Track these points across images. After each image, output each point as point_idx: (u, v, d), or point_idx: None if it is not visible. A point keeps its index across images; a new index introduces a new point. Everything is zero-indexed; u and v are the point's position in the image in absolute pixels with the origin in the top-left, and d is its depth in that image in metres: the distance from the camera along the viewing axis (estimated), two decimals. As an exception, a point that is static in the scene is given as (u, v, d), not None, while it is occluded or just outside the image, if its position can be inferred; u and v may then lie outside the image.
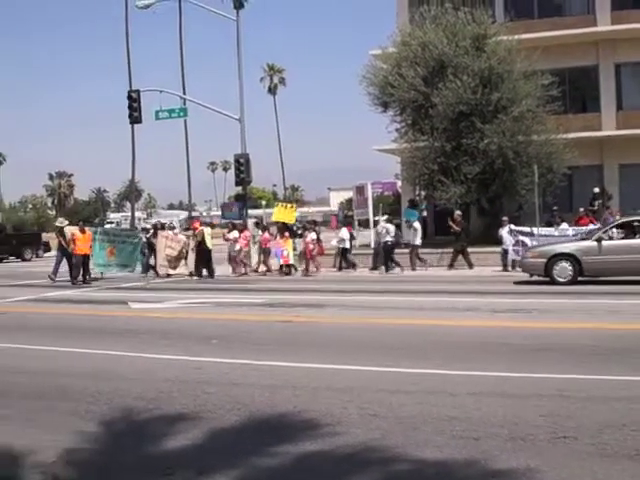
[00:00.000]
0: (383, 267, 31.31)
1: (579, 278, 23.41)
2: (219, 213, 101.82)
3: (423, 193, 42.49)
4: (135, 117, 40.19)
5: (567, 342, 12.61)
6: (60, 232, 30.88)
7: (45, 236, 65.15)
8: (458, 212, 32.56)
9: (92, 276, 30.45)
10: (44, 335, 15.33)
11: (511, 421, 7.71)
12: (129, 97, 39.86)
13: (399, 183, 55.30)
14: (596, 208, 35.44)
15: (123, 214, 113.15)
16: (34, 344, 13.87)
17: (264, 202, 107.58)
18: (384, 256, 31.50)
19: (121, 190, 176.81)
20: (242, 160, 39.28)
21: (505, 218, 30.73)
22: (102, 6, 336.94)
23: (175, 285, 27.91)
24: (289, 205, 36.00)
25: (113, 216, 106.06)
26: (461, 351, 12.02)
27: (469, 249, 31.30)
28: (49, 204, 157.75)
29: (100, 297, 23.87)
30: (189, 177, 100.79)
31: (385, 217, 33.98)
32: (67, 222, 32.78)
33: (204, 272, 31.68)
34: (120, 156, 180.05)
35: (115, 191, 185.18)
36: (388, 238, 31.18)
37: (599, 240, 23.50)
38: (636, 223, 24.55)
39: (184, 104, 43.67)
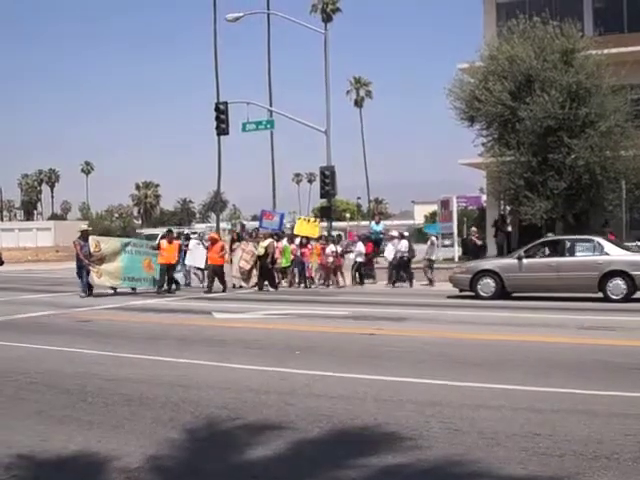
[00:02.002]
0: (405, 282, 32.15)
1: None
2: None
3: (508, 208, 42.20)
4: (222, 129, 40.68)
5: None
6: (84, 238, 27.97)
7: None
8: (474, 229, 32.71)
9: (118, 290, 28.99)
10: (129, 343, 15.58)
11: (595, 439, 7.61)
12: (217, 109, 40.41)
13: (484, 197, 54.96)
14: None
15: (208, 225, 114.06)
16: (119, 352, 14.09)
17: (348, 215, 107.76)
18: (399, 270, 32.25)
19: (206, 201, 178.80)
20: (327, 172, 39.34)
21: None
22: (191, 17, 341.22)
23: (258, 296, 28.06)
24: (311, 219, 36.31)
25: (198, 226, 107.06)
26: (542, 367, 11.88)
27: None
28: (135, 213, 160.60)
29: (184, 306, 24.13)
30: (274, 188, 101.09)
31: (396, 232, 34.52)
32: (88, 227, 30.78)
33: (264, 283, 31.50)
34: (206, 167, 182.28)
35: (200, 202, 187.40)
36: (402, 253, 31.82)
37: (520, 258, 25.01)
38: (567, 242, 25.62)
39: (271, 116, 44.01)
